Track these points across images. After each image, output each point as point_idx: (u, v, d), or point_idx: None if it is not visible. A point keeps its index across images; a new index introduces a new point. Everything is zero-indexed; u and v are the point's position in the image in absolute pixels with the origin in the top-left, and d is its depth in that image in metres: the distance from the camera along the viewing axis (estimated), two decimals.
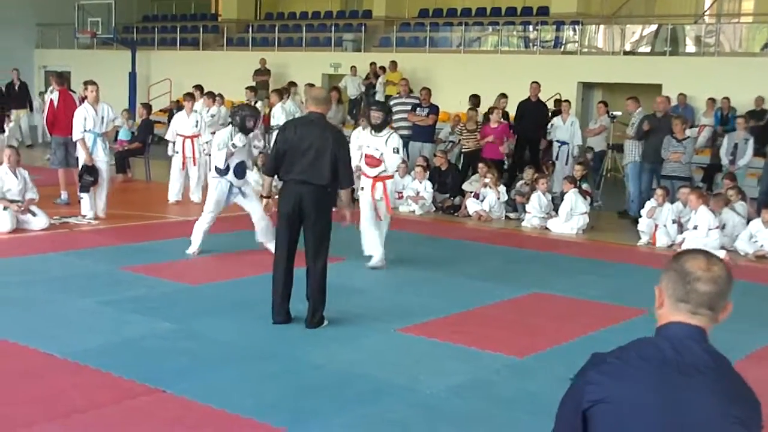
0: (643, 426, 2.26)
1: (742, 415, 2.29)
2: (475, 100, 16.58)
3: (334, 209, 7.36)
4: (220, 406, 5.27)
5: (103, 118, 11.86)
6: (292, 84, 19.60)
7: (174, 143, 14.16)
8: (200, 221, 9.85)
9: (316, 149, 6.96)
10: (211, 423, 5.09)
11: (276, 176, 7.33)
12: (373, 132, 9.55)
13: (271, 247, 8.22)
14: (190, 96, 14.83)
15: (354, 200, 13.82)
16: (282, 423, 5.11)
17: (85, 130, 11.68)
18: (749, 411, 2.32)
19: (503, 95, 16.02)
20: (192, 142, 14.10)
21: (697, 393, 2.27)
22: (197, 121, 14.27)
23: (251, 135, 9.78)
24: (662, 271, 2.45)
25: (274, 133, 9.71)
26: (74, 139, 11.81)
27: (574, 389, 2.40)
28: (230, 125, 9.81)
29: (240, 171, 9.67)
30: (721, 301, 2.38)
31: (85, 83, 12.11)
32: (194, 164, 14.07)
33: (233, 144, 9.51)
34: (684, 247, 11.15)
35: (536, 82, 15.78)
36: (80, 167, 11.78)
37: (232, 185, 9.72)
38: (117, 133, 17.38)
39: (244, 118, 9.60)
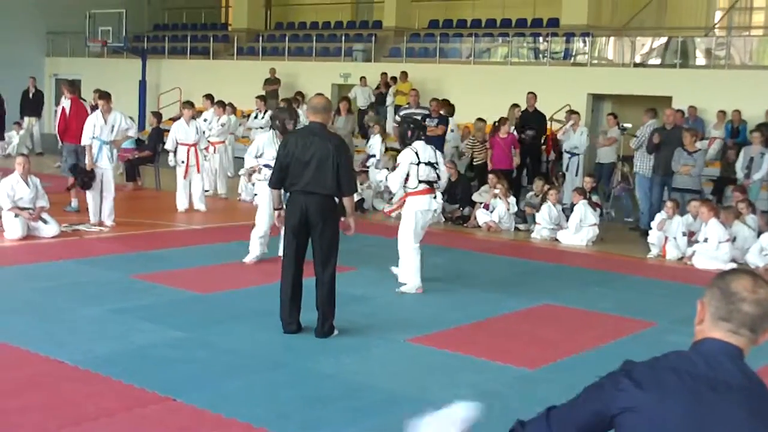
0: None
1: None
2: (449, 108, 16.50)
3: (342, 219, 7.36)
4: (230, 416, 5.27)
5: (113, 126, 11.97)
6: (300, 94, 19.68)
7: (176, 153, 14.09)
8: (255, 230, 9.97)
9: (318, 159, 6.97)
10: None
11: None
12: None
13: None
14: (189, 104, 14.78)
15: (363, 209, 14.02)
16: None
17: (93, 137, 11.77)
18: None
19: (516, 105, 16.01)
20: (196, 150, 14.10)
21: (726, 411, 2.26)
22: (197, 128, 14.26)
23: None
24: (706, 287, 2.44)
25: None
26: (82, 144, 11.96)
27: (604, 391, 2.39)
28: (270, 129, 10.04)
29: None
30: (764, 324, 2.37)
31: (100, 96, 12.20)
32: (198, 172, 14.05)
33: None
34: (695, 259, 11.14)
35: (532, 93, 15.84)
36: (75, 165, 11.91)
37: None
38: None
39: (284, 121, 9.71)
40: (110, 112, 12.05)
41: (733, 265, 10.84)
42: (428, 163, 8.97)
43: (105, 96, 12.19)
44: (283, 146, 7.31)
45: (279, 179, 7.22)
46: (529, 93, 15.85)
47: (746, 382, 2.32)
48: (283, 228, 7.39)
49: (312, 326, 7.17)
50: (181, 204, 13.92)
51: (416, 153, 8.95)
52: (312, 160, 6.98)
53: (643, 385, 2.32)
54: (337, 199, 7.23)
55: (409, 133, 9.14)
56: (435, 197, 9.11)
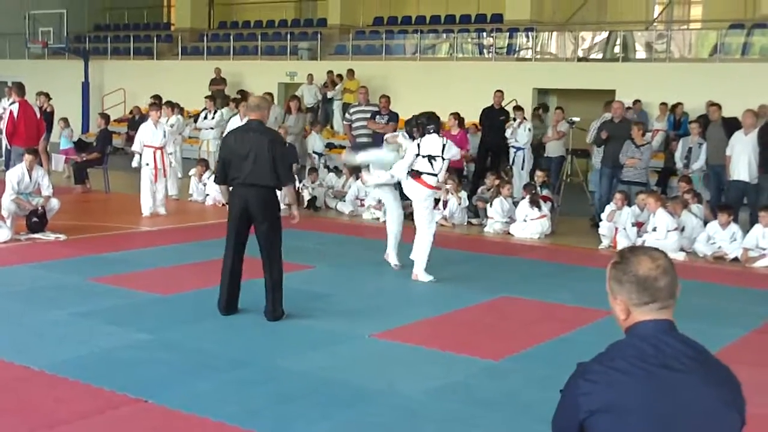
0: (643, 425, 2.33)
1: (728, 397, 2.41)
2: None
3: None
4: (203, 415, 5.29)
5: (37, 183, 11.48)
6: (241, 92, 19.75)
7: (141, 155, 13.76)
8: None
9: (255, 152, 7.41)
10: (198, 431, 5.12)
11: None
12: None
13: None
14: (155, 106, 14.55)
15: (316, 208, 14.05)
16: (266, 430, 5.15)
17: (19, 192, 11.28)
18: (734, 393, 2.43)
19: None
20: (162, 153, 13.73)
21: (686, 384, 2.36)
22: (165, 132, 13.97)
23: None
24: (613, 285, 2.52)
25: None
26: (9, 199, 11.20)
27: (567, 402, 2.45)
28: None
29: None
30: (677, 284, 2.50)
31: (27, 151, 11.68)
32: (165, 176, 13.80)
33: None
34: None
35: (500, 91, 16.10)
36: (28, 214, 11.34)
37: None
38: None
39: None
40: (34, 169, 11.49)
41: (683, 254, 11.11)
42: (426, 156, 9.46)
43: (32, 152, 11.63)
44: (223, 144, 7.98)
45: (222, 175, 7.73)
46: (496, 91, 16.17)
47: (692, 353, 2.43)
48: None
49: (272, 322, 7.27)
50: (146, 208, 13.46)
51: (418, 145, 9.46)
52: (250, 154, 7.43)
53: (601, 383, 2.37)
54: (278, 192, 7.68)
55: (414, 131, 9.68)
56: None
